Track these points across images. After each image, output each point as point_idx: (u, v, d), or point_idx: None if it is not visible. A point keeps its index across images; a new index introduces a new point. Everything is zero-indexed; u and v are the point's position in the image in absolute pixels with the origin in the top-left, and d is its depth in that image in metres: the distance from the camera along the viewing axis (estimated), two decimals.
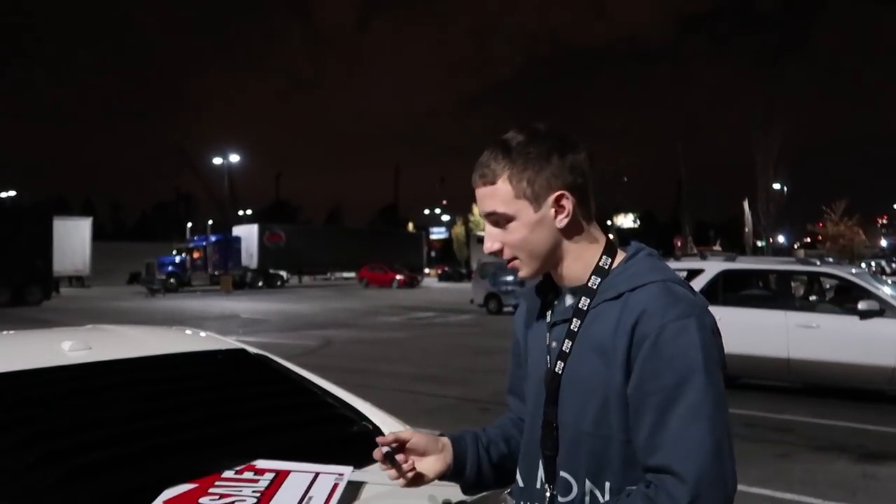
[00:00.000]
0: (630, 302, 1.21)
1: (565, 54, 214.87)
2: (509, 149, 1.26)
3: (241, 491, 1.49)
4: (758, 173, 41.67)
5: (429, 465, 1.36)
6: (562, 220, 1.26)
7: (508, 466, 1.43)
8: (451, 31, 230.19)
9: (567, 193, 1.25)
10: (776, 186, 42.60)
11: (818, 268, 9.41)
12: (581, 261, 1.29)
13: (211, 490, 1.48)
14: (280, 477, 1.55)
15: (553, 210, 1.26)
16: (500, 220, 1.28)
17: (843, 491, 5.06)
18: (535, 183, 1.25)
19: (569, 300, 1.30)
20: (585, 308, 1.26)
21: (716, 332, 1.22)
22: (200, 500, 1.43)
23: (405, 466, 1.32)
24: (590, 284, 1.27)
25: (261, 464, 1.60)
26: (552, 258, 1.29)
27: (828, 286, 10.32)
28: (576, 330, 1.26)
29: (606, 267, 1.27)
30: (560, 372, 1.27)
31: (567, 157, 1.26)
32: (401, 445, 1.34)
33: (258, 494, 1.48)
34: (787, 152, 41.72)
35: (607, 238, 1.31)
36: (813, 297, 9.85)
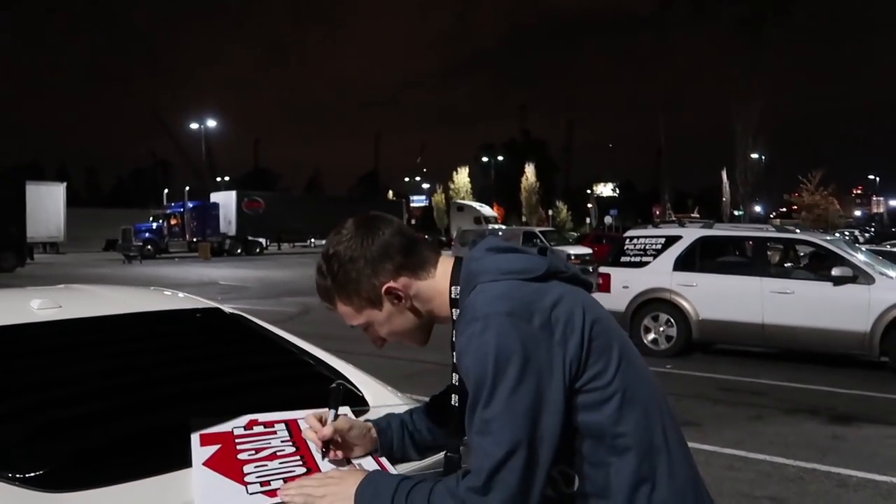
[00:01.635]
0: None
1: (548, 22, 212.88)
2: (324, 274, 1.34)
3: (269, 442, 1.46)
4: (737, 143, 41.94)
5: (355, 452, 1.47)
6: (406, 303, 1.33)
7: (433, 448, 1.53)
8: None
9: (392, 283, 1.30)
10: (754, 156, 42.89)
11: (794, 235, 9.51)
12: (444, 306, 1.34)
13: (239, 446, 1.44)
14: (293, 425, 1.54)
15: (393, 300, 1.32)
16: (364, 328, 1.37)
17: (813, 451, 5.17)
18: (362, 293, 1.32)
19: (453, 334, 1.31)
20: (456, 340, 1.29)
21: (524, 329, 1.16)
22: (239, 457, 1.40)
23: (335, 456, 1.43)
24: (454, 318, 1.31)
25: (261, 417, 1.57)
26: (426, 323, 1.38)
27: (802, 254, 10.45)
28: (456, 363, 1.30)
29: (457, 297, 1.31)
30: (455, 405, 1.34)
31: (372, 249, 1.30)
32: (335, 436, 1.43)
33: (291, 444, 1.46)
34: (766, 122, 41.98)
35: (453, 265, 1.33)
36: (788, 264, 9.97)
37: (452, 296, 1.31)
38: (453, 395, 1.34)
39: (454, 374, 1.32)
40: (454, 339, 1.28)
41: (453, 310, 1.31)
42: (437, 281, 1.33)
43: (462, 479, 1.16)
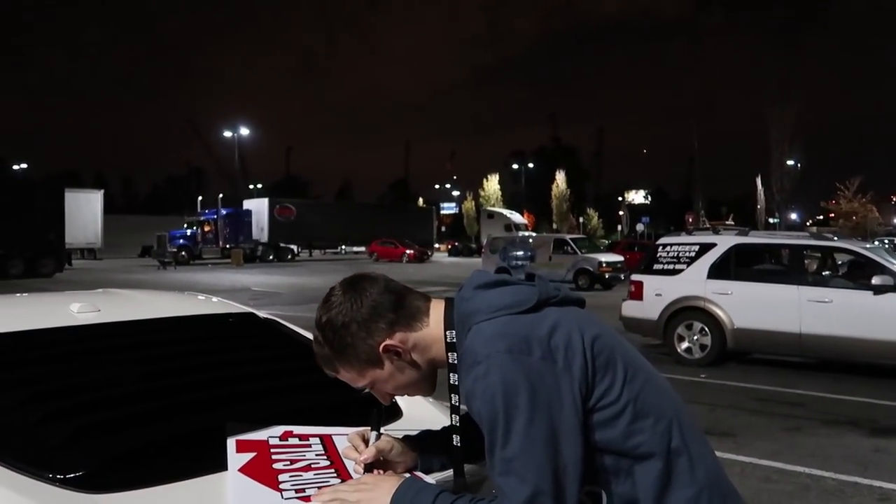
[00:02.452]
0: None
1: (580, 28, 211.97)
2: (321, 343, 1.34)
3: (304, 454, 1.47)
4: (772, 149, 41.31)
5: (395, 469, 1.45)
6: (405, 356, 1.32)
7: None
8: (463, 5, 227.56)
9: (388, 341, 1.30)
10: (790, 163, 42.21)
11: (832, 243, 9.32)
12: (442, 352, 1.33)
13: (275, 456, 1.45)
14: (327, 440, 1.54)
15: (393, 357, 1.32)
16: (371, 387, 1.37)
17: (854, 465, 5.04)
18: (360, 356, 1.31)
19: (451, 377, 1.33)
20: (456, 383, 1.30)
21: (526, 363, 1.17)
22: (274, 466, 1.41)
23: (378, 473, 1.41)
24: (451, 361, 1.31)
25: (296, 429, 1.58)
26: (430, 372, 1.37)
27: (840, 262, 10.24)
28: (457, 405, 1.32)
29: (453, 341, 1.30)
30: (458, 444, 1.35)
31: (362, 311, 1.30)
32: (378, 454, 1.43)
33: (325, 457, 1.46)
34: (802, 128, 41.29)
35: (445, 308, 1.34)
36: (826, 273, 9.77)
37: (448, 340, 1.31)
38: (454, 436, 1.35)
39: (453, 415, 1.34)
40: (454, 382, 1.30)
41: (450, 353, 1.31)
42: (432, 329, 1.33)
43: None
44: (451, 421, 1.36)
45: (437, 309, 1.35)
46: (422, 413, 1.86)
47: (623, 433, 1.22)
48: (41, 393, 1.60)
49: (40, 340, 1.86)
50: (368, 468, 1.40)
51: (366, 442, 1.43)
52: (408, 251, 44.19)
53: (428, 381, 1.38)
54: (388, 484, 1.26)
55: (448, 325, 1.32)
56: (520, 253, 22.45)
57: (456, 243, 59.90)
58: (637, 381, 1.25)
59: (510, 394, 1.14)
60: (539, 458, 1.13)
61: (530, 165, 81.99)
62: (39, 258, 27.40)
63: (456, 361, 1.30)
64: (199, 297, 2.75)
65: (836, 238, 9.64)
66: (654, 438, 1.23)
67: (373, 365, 1.32)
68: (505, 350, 1.17)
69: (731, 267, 8.91)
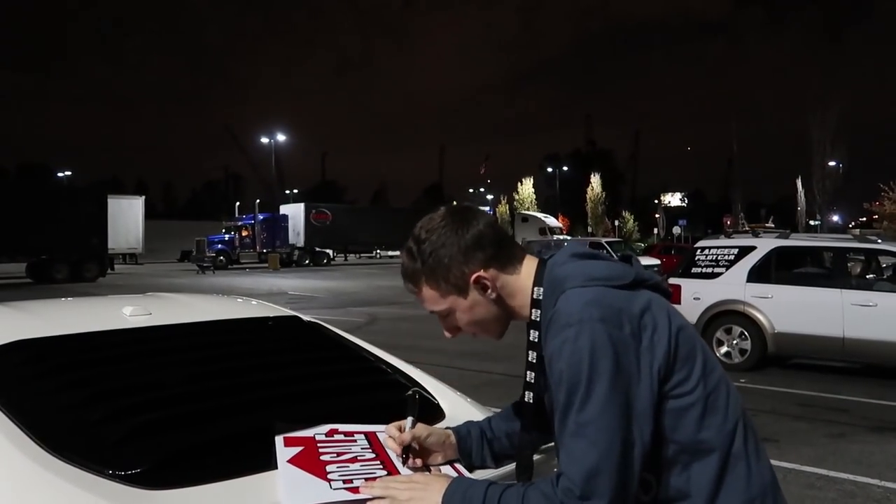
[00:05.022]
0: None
1: (616, 30, 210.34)
2: (414, 257, 1.35)
3: (350, 448, 1.51)
4: (813, 150, 40.53)
5: (435, 459, 1.50)
6: (491, 294, 1.34)
7: (510, 456, 1.53)
8: (498, 8, 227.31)
9: (482, 273, 1.32)
10: (832, 164, 41.33)
11: (876, 245, 9.12)
12: (526, 304, 1.36)
13: (322, 449, 1.49)
14: (372, 436, 1.57)
15: (479, 290, 1.34)
16: (444, 314, 1.39)
17: None
18: (449, 279, 1.34)
19: (531, 334, 1.35)
20: (536, 340, 1.33)
21: (616, 335, 1.18)
22: (322, 458, 1.45)
23: (414, 463, 1.45)
24: (533, 318, 1.34)
25: (341, 427, 1.62)
26: (505, 317, 1.39)
27: (885, 265, 10.00)
28: (534, 362, 1.34)
29: (540, 298, 1.32)
30: (530, 401, 1.37)
31: (466, 238, 1.32)
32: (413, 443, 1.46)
33: (371, 450, 1.50)
34: (844, 129, 40.40)
35: (537, 267, 1.36)
36: (870, 276, 9.55)
37: (534, 296, 1.33)
38: (527, 393, 1.37)
39: (528, 371, 1.36)
40: (533, 338, 1.32)
41: (533, 310, 1.33)
42: (522, 278, 1.36)
43: (557, 484, 1.17)
44: (525, 377, 1.38)
45: (529, 263, 1.38)
46: (465, 415, 1.88)
47: (693, 426, 1.23)
48: (100, 393, 1.66)
49: (97, 342, 1.93)
50: (406, 454, 1.43)
51: (402, 430, 1.46)
52: None
53: (500, 324, 1.41)
54: (439, 483, 1.29)
55: (538, 281, 1.34)
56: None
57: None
58: (713, 378, 1.27)
59: (596, 360, 1.16)
60: (613, 427, 1.15)
61: (565, 168, 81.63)
62: (83, 263, 28.05)
63: (538, 319, 1.32)
64: (245, 301, 2.82)
65: (880, 240, 9.42)
66: (719, 437, 1.24)
67: (458, 292, 1.35)
68: (598, 318, 1.19)
69: (771, 270, 8.78)
